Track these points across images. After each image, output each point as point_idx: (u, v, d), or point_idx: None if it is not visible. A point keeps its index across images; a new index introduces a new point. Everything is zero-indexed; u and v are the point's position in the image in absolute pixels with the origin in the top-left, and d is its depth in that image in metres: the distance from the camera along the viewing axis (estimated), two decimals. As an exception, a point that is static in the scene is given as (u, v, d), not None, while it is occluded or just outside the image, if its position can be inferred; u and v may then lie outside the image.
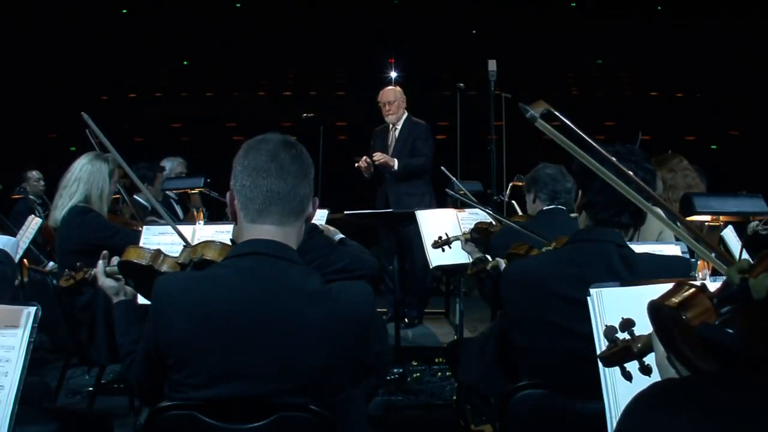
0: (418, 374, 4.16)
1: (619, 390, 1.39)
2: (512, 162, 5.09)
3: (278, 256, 1.45)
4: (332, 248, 2.43)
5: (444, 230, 3.46)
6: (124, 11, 9.98)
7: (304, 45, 9.75)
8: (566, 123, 1.13)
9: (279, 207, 1.46)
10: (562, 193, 3.03)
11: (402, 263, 4.77)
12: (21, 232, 4.08)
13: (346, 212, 4.33)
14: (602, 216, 1.78)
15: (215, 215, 4.16)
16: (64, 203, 3.28)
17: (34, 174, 6.25)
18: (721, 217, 1.85)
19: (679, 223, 1.19)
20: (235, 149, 1.52)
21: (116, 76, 9.88)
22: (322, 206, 2.28)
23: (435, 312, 5.58)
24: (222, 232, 2.68)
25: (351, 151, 5.32)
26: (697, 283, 0.83)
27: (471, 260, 3.10)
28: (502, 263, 2.42)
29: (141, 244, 2.62)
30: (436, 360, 4.32)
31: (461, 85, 5.18)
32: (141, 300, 2.14)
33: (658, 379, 0.94)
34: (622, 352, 1.13)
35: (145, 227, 2.92)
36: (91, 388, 3.60)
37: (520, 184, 4.32)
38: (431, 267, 3.67)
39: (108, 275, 1.91)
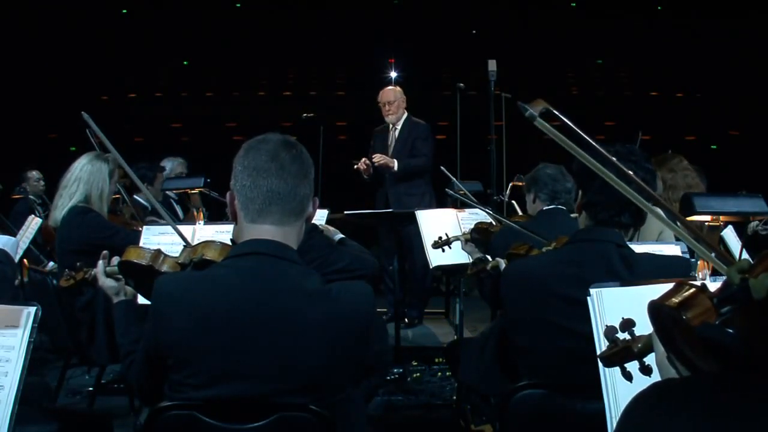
0: (418, 374, 4.16)
1: (619, 390, 1.39)
2: (512, 162, 5.10)
3: (278, 256, 1.45)
4: (332, 248, 2.43)
5: (444, 230, 3.46)
6: (124, 11, 9.98)
7: (304, 45, 9.74)
8: (565, 122, 1.13)
9: (279, 207, 1.46)
10: (562, 193, 3.03)
11: (402, 263, 4.77)
12: (21, 232, 4.08)
13: (346, 212, 4.33)
14: (602, 216, 1.79)
15: (215, 215, 4.16)
16: (64, 203, 3.28)
17: (34, 174, 6.25)
18: (721, 217, 1.84)
19: (679, 223, 1.19)
20: (235, 149, 1.52)
21: (116, 76, 9.88)
22: (322, 206, 2.27)
23: (435, 312, 5.58)
24: (222, 232, 2.68)
25: (351, 151, 5.33)
26: (698, 283, 0.83)
27: (471, 260, 3.10)
28: (502, 263, 2.43)
29: (141, 244, 2.62)
30: (436, 360, 4.32)
31: (461, 85, 5.18)
32: (141, 300, 2.14)
33: (659, 379, 0.94)
34: (622, 352, 1.13)
35: (145, 227, 2.92)
36: (91, 388, 3.60)
37: (520, 184, 4.33)
38: (431, 267, 3.67)
39: (108, 275, 1.91)
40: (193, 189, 3.30)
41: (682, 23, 9.57)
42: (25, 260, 3.82)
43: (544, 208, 3.06)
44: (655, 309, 0.86)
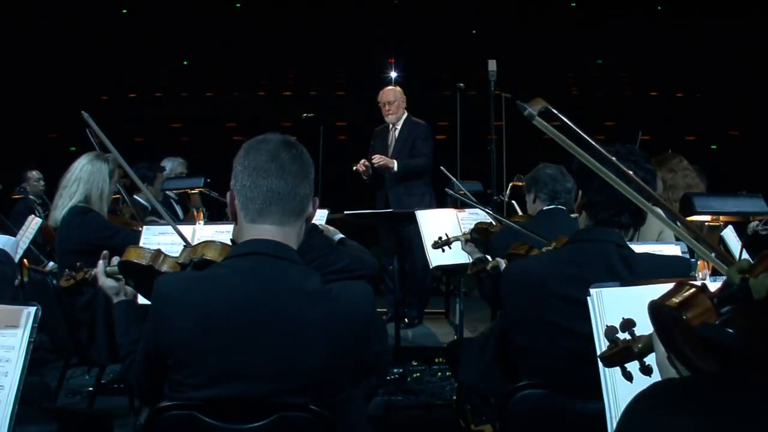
0: (418, 374, 4.16)
1: (619, 390, 1.39)
2: (512, 162, 5.10)
3: (278, 256, 1.45)
4: (332, 248, 2.43)
5: (444, 230, 3.46)
6: (124, 11, 9.98)
7: (304, 45, 9.74)
8: (565, 121, 1.13)
9: (279, 207, 1.46)
10: (562, 193, 3.03)
11: (402, 263, 4.77)
12: (21, 232, 4.08)
13: (346, 212, 4.33)
14: (602, 216, 1.79)
15: (215, 215, 4.16)
16: (64, 203, 3.28)
17: (34, 174, 6.25)
18: (721, 217, 1.84)
19: (679, 223, 1.19)
20: (235, 149, 1.52)
21: (116, 76, 9.87)
22: (322, 206, 2.27)
23: (435, 312, 5.58)
24: (222, 232, 2.68)
25: (351, 151, 5.32)
26: (698, 283, 0.83)
27: (471, 260, 3.10)
28: (502, 263, 2.43)
29: (141, 244, 2.62)
30: (436, 360, 4.32)
31: (461, 85, 5.18)
32: (141, 300, 2.14)
33: (659, 379, 0.94)
34: (622, 353, 1.13)
35: (145, 227, 2.92)
36: (91, 388, 3.60)
37: (520, 184, 4.32)
38: (431, 267, 3.67)
39: (108, 275, 1.91)
40: (193, 189, 3.30)
41: (682, 23, 9.58)
42: (25, 260, 3.82)
43: (544, 208, 3.06)
44: (656, 309, 0.86)
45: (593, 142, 1.17)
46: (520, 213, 4.29)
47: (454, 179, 4.26)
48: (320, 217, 3.58)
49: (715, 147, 9.68)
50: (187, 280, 1.51)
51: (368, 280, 2.19)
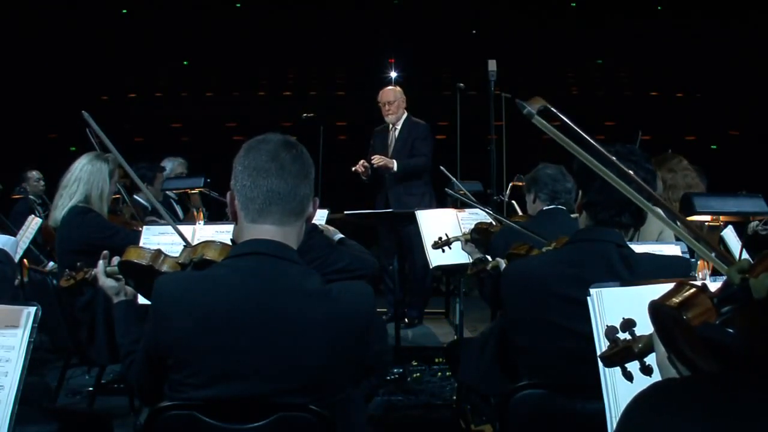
0: (418, 374, 4.16)
1: (619, 390, 1.39)
2: (512, 162, 5.09)
3: (278, 256, 1.45)
4: (332, 248, 2.43)
5: (444, 230, 3.47)
6: (124, 11, 9.97)
7: (304, 45, 9.74)
8: (564, 121, 1.13)
9: (279, 207, 1.46)
10: (562, 193, 3.03)
11: (402, 263, 4.77)
12: (21, 232, 4.08)
13: (346, 212, 4.33)
14: (602, 216, 1.79)
15: (215, 215, 4.16)
16: (64, 203, 3.29)
17: (34, 174, 6.25)
18: (721, 217, 1.84)
19: (679, 223, 1.19)
20: (235, 149, 1.52)
21: (116, 76, 9.87)
22: (322, 206, 2.27)
23: (435, 312, 5.58)
24: (222, 232, 2.68)
25: (351, 151, 5.32)
26: (698, 283, 0.83)
27: (471, 260, 3.10)
28: (503, 263, 2.43)
29: (141, 244, 2.62)
30: (436, 360, 4.32)
31: (461, 85, 5.18)
32: (141, 300, 2.14)
33: (659, 379, 0.94)
34: (623, 353, 1.13)
35: (145, 227, 2.92)
36: (91, 388, 3.60)
37: (520, 184, 4.33)
38: (431, 267, 3.67)
39: (108, 275, 1.91)
40: (193, 189, 3.30)
41: (682, 23, 9.57)
42: (25, 260, 3.82)
43: (544, 208, 3.06)
44: (656, 309, 0.86)
45: (593, 142, 1.17)
46: (520, 213, 4.29)
47: (454, 179, 4.26)
48: (320, 217, 3.58)
49: (715, 147, 9.68)
50: (187, 280, 1.51)
51: (368, 280, 2.19)
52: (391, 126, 5.13)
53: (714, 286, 0.84)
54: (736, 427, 0.69)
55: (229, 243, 1.85)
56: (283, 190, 1.46)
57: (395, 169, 4.94)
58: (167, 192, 4.73)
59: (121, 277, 1.92)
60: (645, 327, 1.01)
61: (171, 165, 5.17)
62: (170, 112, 10.15)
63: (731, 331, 0.75)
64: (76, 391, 3.81)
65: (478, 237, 3.24)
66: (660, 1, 10.12)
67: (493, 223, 3.33)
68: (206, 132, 9.61)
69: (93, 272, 2.00)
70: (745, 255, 2.72)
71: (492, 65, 4.43)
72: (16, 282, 2.84)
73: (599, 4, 9.76)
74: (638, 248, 1.83)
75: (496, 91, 4.53)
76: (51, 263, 4.09)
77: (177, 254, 1.90)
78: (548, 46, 9.60)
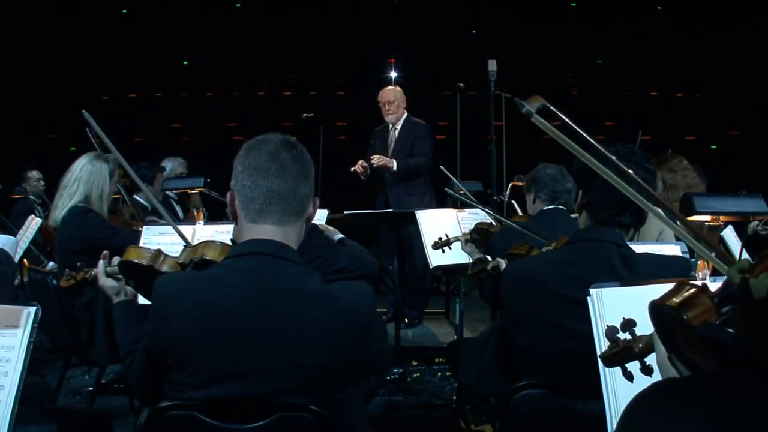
0: (418, 374, 4.16)
1: (619, 390, 1.39)
2: (512, 162, 5.09)
3: (278, 256, 1.45)
4: (332, 248, 2.43)
5: (444, 230, 3.47)
6: (124, 11, 9.97)
7: (304, 45, 9.74)
8: (564, 120, 1.12)
9: (279, 207, 1.46)
10: (562, 193, 3.03)
11: (402, 263, 4.77)
12: (21, 232, 4.08)
13: (346, 212, 4.33)
14: (602, 216, 1.79)
15: (215, 215, 4.17)
16: (64, 203, 3.29)
17: (34, 174, 6.25)
18: (721, 217, 1.84)
19: (679, 223, 1.19)
20: (235, 149, 1.52)
21: (116, 76, 9.87)
22: (322, 206, 2.27)
23: (435, 312, 5.58)
24: (222, 232, 2.68)
25: (351, 151, 5.32)
26: (698, 283, 0.83)
27: (471, 260, 3.10)
28: (503, 263, 2.43)
29: (141, 244, 2.62)
30: (436, 360, 4.32)
31: (461, 85, 5.18)
32: (141, 300, 2.14)
33: (659, 379, 0.94)
34: (623, 352, 1.13)
35: (145, 227, 2.92)
36: (91, 388, 3.60)
37: (520, 184, 4.33)
38: (431, 267, 3.67)
39: (108, 275, 1.91)
40: (193, 189, 3.30)
41: (682, 23, 9.57)
42: (25, 260, 3.82)
43: (544, 208, 3.06)
44: (656, 309, 0.86)
45: (592, 141, 1.17)
46: (520, 213, 4.29)
47: (454, 179, 4.26)
48: (320, 217, 3.58)
49: (715, 147, 9.68)
50: (187, 280, 1.51)
51: (368, 280, 2.19)
52: (391, 126, 5.13)
53: (714, 286, 0.84)
54: (736, 427, 0.69)
55: (229, 243, 1.84)
56: (283, 190, 1.46)
57: (395, 168, 4.94)
58: (167, 192, 4.73)
59: (121, 277, 1.92)
60: (645, 327, 1.01)
61: (171, 165, 5.17)
62: (170, 112, 10.15)
63: (731, 331, 0.75)
64: (76, 391, 3.81)
65: (478, 237, 3.24)
66: (660, 1, 10.11)
67: (493, 223, 3.33)
68: (206, 132, 9.61)
69: (93, 272, 2.00)
70: (745, 255, 2.72)
71: (492, 65, 4.43)
72: (16, 282, 2.84)
73: (599, 4, 9.76)
74: (638, 248, 1.83)
75: (496, 91, 4.53)
76: (51, 263, 4.09)
77: (177, 254, 1.90)
78: (548, 46, 9.60)
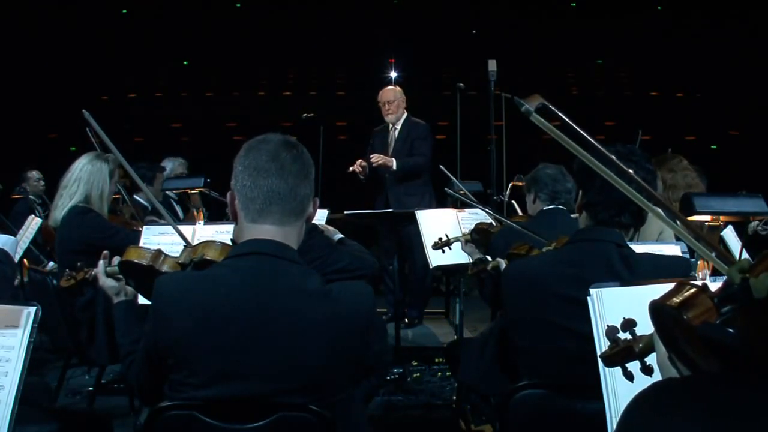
0: (418, 374, 4.16)
1: (619, 390, 1.39)
2: (512, 162, 5.09)
3: (278, 256, 1.45)
4: (332, 248, 2.43)
5: (444, 230, 3.47)
6: (124, 11, 9.97)
7: (304, 45, 9.74)
8: (563, 119, 1.12)
9: (279, 207, 1.46)
10: (562, 194, 3.03)
11: (402, 263, 4.77)
12: (21, 232, 4.09)
13: (346, 212, 4.33)
14: (602, 216, 1.79)
15: (215, 215, 4.17)
16: (64, 203, 3.29)
17: (34, 174, 6.25)
18: (721, 217, 1.84)
19: (679, 223, 1.19)
20: (235, 149, 1.52)
21: (116, 76, 9.87)
22: (322, 206, 2.27)
23: (435, 312, 5.59)
24: (222, 232, 2.68)
25: (351, 151, 5.32)
26: (698, 283, 0.83)
27: (471, 261, 3.10)
28: (503, 263, 2.42)
29: (141, 244, 2.62)
30: (436, 360, 4.32)
31: (461, 85, 5.18)
32: (141, 300, 2.14)
33: (660, 379, 0.94)
34: (623, 352, 1.13)
35: (145, 227, 2.92)
36: (91, 388, 3.60)
37: (520, 184, 4.32)
38: (431, 267, 3.67)
39: (109, 275, 1.91)
40: (193, 189, 3.30)
41: (682, 23, 9.57)
42: (25, 260, 3.82)
43: (544, 208, 3.06)
44: (656, 309, 0.86)
45: (591, 139, 1.17)
46: (520, 213, 4.29)
47: (454, 179, 4.25)
48: (320, 217, 3.58)
49: (715, 147, 9.68)
50: (187, 280, 1.51)
51: (368, 280, 2.19)
52: (390, 126, 5.13)
53: (714, 286, 0.84)
54: (736, 427, 0.69)
55: (229, 243, 1.85)
56: (283, 190, 1.46)
57: (394, 167, 4.94)
58: (167, 192, 4.74)
59: (121, 277, 1.92)
60: (645, 327, 1.01)
61: (171, 165, 5.17)
62: (170, 112, 10.15)
63: (732, 330, 0.75)
64: (76, 391, 3.81)
65: (478, 237, 3.24)
66: (660, 1, 10.11)
67: (493, 223, 3.33)
68: (206, 132, 9.61)
69: (93, 272, 2.00)
70: (745, 255, 2.72)
71: (492, 65, 4.43)
72: (16, 282, 2.84)
73: (599, 4, 9.76)
74: (638, 248, 1.83)
75: (496, 91, 4.53)
76: (51, 263, 4.09)
77: (177, 254, 1.90)
78: (548, 46, 9.60)
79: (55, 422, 1.96)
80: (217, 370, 1.39)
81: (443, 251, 3.41)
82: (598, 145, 1.19)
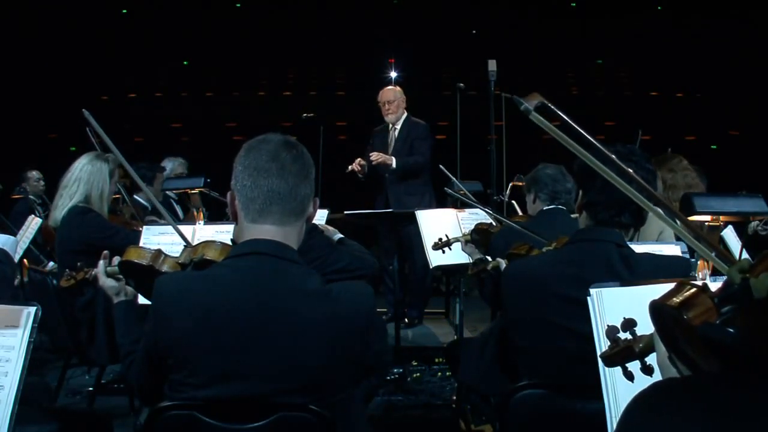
0: (418, 374, 4.16)
1: (619, 390, 1.39)
2: (512, 162, 5.09)
3: (278, 256, 1.45)
4: (332, 248, 2.43)
5: (444, 230, 3.46)
6: (124, 11, 9.97)
7: (304, 45, 9.74)
8: (562, 118, 1.12)
9: (280, 207, 1.46)
10: (562, 194, 3.03)
11: (402, 263, 4.77)
12: (21, 232, 4.08)
13: (346, 212, 4.33)
14: (602, 216, 1.79)
15: (215, 215, 4.17)
16: (64, 203, 3.29)
17: (34, 174, 6.25)
18: (721, 217, 1.84)
19: (679, 223, 1.19)
20: (235, 149, 1.52)
21: (116, 76, 9.87)
22: (322, 206, 2.27)
23: (435, 312, 5.59)
24: (222, 232, 2.68)
25: (351, 151, 5.32)
26: (699, 283, 0.83)
27: (471, 261, 3.10)
28: (503, 263, 2.42)
29: (141, 244, 2.62)
30: (436, 360, 4.32)
31: (461, 85, 5.18)
32: (141, 300, 2.14)
33: (660, 379, 0.94)
34: (623, 352, 1.13)
35: (145, 227, 2.93)
36: (91, 388, 3.60)
37: (520, 184, 4.32)
38: (431, 267, 3.67)
39: (109, 275, 1.91)
40: (193, 189, 3.30)
41: (682, 23, 9.57)
42: (25, 260, 3.82)
43: (544, 208, 3.06)
44: (657, 309, 0.86)
45: (591, 139, 1.17)
46: (520, 213, 4.29)
47: (454, 179, 4.25)
48: (320, 217, 3.58)
49: (715, 147, 9.68)
50: (188, 280, 1.51)
51: (368, 280, 2.19)
52: (390, 126, 5.13)
53: (714, 286, 0.84)
54: (736, 427, 0.69)
55: (229, 243, 1.85)
56: (283, 190, 1.46)
57: (394, 165, 4.94)
58: (167, 192, 4.74)
59: (121, 277, 1.92)
60: (645, 327, 1.01)
61: (171, 165, 5.17)
62: (170, 112, 10.15)
63: (732, 330, 0.75)
64: (76, 391, 3.81)
65: (478, 237, 3.24)
66: (660, 1, 10.11)
67: (493, 223, 3.33)
68: (206, 132, 9.61)
69: (93, 272, 2.00)
70: (745, 255, 2.72)
71: (492, 65, 4.42)
72: (16, 282, 2.84)
73: (599, 4, 9.76)
74: (638, 248, 1.83)
75: (496, 91, 4.52)
76: (51, 263, 4.09)
77: (177, 254, 1.90)
78: (548, 46, 9.60)
79: (55, 422, 1.96)
80: (217, 370, 1.39)
81: (443, 251, 3.41)
82: (599, 145, 1.19)
